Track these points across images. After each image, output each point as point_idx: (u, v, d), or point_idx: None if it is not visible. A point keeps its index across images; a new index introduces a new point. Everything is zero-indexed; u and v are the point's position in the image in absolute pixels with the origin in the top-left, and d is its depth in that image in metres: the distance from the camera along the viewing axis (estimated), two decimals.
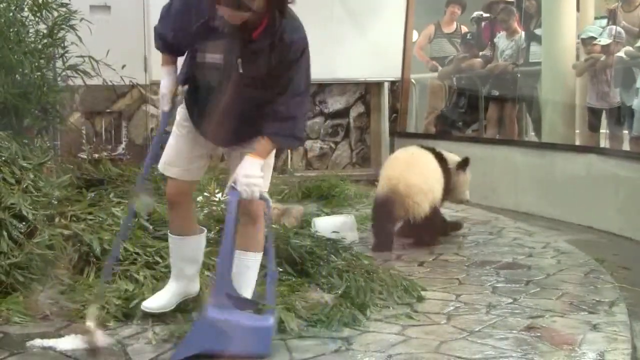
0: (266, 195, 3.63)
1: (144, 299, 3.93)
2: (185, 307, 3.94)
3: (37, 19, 5.71)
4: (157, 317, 3.86)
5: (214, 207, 5.14)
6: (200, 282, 4.05)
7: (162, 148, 3.80)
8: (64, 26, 5.74)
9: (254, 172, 3.52)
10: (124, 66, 6.48)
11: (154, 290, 3.99)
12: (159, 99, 3.82)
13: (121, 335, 3.74)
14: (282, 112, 3.54)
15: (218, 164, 9.31)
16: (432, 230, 6.08)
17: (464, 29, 10.01)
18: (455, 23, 10.14)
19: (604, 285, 4.86)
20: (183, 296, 3.96)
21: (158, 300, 3.92)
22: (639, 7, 7.80)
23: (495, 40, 9.28)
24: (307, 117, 3.66)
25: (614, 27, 7.67)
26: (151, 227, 4.57)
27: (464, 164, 6.39)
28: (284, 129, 3.56)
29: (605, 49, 7.62)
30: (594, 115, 7.93)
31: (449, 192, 6.31)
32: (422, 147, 6.41)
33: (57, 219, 4.41)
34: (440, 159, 6.25)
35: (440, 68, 10.16)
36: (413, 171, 6.01)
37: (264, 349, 3.48)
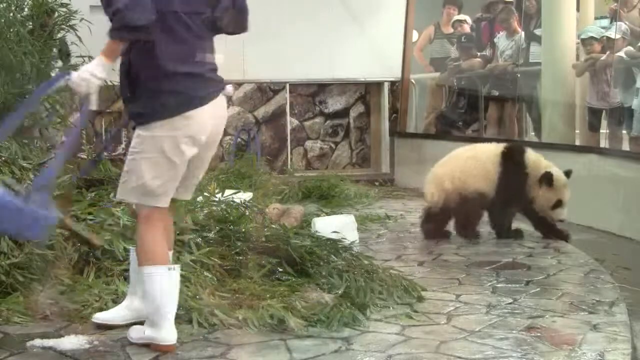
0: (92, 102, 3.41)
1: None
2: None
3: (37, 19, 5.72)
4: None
5: (214, 207, 5.14)
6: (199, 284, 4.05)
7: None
8: (64, 26, 5.74)
9: (96, 70, 3.35)
10: None
11: None
12: None
13: (121, 336, 3.73)
14: (108, 8, 3.34)
15: (218, 164, 9.34)
16: (460, 222, 6.25)
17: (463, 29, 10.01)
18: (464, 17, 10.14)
19: (604, 285, 4.86)
20: (137, 315, 3.78)
21: (108, 313, 3.86)
22: (636, 8, 7.80)
23: (495, 40, 9.29)
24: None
25: (622, 23, 7.65)
26: None
27: (544, 178, 6.10)
28: (114, 22, 3.32)
29: (611, 44, 7.60)
30: (593, 115, 7.92)
31: (523, 199, 6.19)
32: (507, 146, 6.35)
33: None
34: (510, 159, 6.17)
35: (437, 74, 10.17)
36: (441, 162, 6.35)
37: (34, 232, 3.49)
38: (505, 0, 9.59)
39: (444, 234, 6.33)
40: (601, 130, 8.00)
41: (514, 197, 6.17)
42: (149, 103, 3.50)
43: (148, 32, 3.37)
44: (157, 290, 3.52)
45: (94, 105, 3.43)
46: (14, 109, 5.39)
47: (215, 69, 3.59)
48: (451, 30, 10.08)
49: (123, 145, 9.44)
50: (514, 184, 6.13)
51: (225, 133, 9.85)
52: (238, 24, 3.67)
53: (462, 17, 9.95)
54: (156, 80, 3.48)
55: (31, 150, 4.96)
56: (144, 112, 3.51)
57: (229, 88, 3.51)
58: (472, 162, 6.19)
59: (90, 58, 5.87)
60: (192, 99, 3.48)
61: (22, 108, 3.77)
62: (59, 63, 6.07)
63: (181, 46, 3.48)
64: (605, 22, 8.18)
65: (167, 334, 3.54)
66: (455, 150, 6.48)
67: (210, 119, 3.54)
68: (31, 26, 5.71)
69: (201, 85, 3.52)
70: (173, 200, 3.65)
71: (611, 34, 7.65)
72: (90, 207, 4.67)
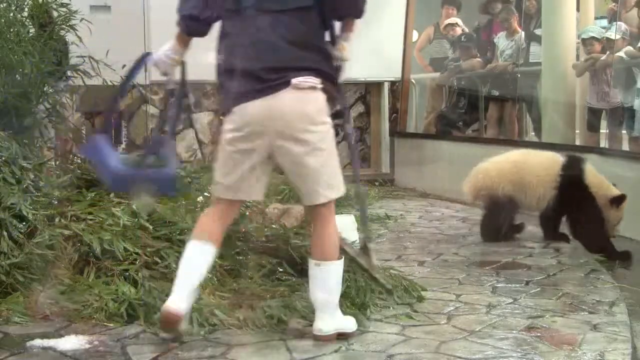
0: None
1: (141, 300, 3.94)
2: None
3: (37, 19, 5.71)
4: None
5: None
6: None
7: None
8: (64, 26, 5.73)
9: (169, 51, 3.76)
10: (124, 66, 6.47)
11: (152, 291, 4.00)
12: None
13: (121, 336, 3.74)
14: None
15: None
16: (483, 222, 6.24)
17: (462, 29, 10.00)
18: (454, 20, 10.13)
19: (604, 285, 4.86)
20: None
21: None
22: (635, 8, 7.81)
23: (495, 40, 9.28)
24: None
25: (621, 24, 7.66)
26: (151, 227, 4.56)
27: (618, 200, 5.89)
28: None
29: (611, 44, 7.61)
30: (593, 115, 7.92)
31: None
32: (565, 155, 6.14)
33: (57, 219, 4.41)
34: (565, 170, 5.99)
35: (437, 74, 10.16)
36: (489, 160, 6.27)
37: (171, 190, 4.10)
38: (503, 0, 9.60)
39: (514, 231, 6.32)
40: (601, 131, 8.00)
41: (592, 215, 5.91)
42: (219, 94, 3.84)
43: (203, 26, 3.67)
44: (183, 259, 3.65)
45: (170, 84, 3.89)
46: (16, 109, 5.41)
47: (276, 66, 3.56)
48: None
49: (123, 146, 9.44)
50: (584, 202, 5.90)
51: None
52: (350, 9, 3.83)
53: (453, 20, 9.95)
54: (218, 77, 3.72)
55: (32, 150, 4.95)
56: (221, 103, 3.81)
57: (298, 80, 3.59)
58: (510, 167, 6.12)
59: (91, 58, 5.90)
60: (235, 96, 3.58)
61: (122, 87, 4.46)
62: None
63: (234, 43, 3.60)
64: (605, 23, 8.19)
65: (173, 302, 3.57)
66: (509, 151, 6.39)
67: (259, 117, 3.56)
68: (31, 27, 5.71)
69: (245, 82, 3.55)
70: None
71: (611, 34, 7.66)
72: (91, 207, 4.66)
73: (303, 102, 3.61)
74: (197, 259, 3.63)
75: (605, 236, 5.86)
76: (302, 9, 3.60)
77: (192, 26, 3.67)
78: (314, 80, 3.61)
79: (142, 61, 3.99)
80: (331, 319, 3.74)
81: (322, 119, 3.72)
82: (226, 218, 3.75)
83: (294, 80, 3.56)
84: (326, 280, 3.73)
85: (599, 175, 6.06)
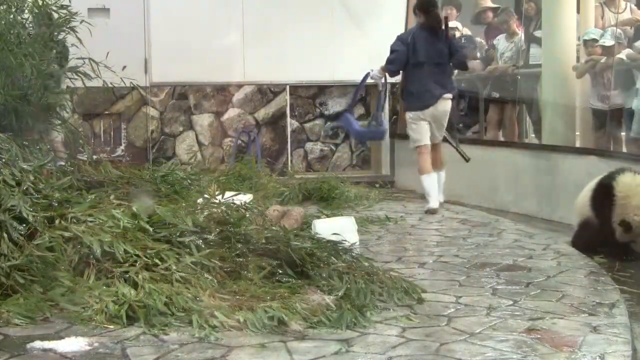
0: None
1: (142, 301, 3.95)
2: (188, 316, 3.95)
3: (37, 21, 5.72)
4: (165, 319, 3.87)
5: (214, 209, 5.13)
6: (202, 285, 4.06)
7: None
8: (64, 28, 5.74)
9: (378, 73, 8.03)
10: (124, 67, 6.48)
11: (152, 293, 4.00)
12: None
13: (121, 338, 3.74)
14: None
15: (218, 166, 9.35)
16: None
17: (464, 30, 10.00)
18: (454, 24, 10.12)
19: (604, 287, 4.86)
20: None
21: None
22: (625, 10, 7.83)
23: (495, 42, 9.29)
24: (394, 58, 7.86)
25: (617, 29, 7.66)
26: (151, 229, 4.56)
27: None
28: (385, 62, 7.97)
29: (607, 50, 7.61)
30: (593, 117, 7.92)
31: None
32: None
33: (57, 221, 4.41)
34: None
35: None
36: None
37: (382, 136, 8.87)
38: (492, 7, 9.62)
39: None
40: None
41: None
42: (405, 102, 8.18)
43: (397, 72, 7.95)
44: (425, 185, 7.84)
45: (381, 86, 8.29)
46: (14, 110, 5.42)
47: (438, 90, 7.71)
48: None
49: (122, 147, 9.45)
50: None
51: (225, 135, 9.90)
52: (461, 65, 8.18)
53: (452, 24, 9.91)
54: (405, 92, 7.98)
55: (31, 152, 4.95)
56: (405, 105, 8.14)
57: (445, 95, 7.82)
58: (588, 193, 6.06)
59: (91, 60, 5.92)
60: (420, 105, 7.76)
61: (353, 96, 9.10)
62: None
63: (416, 78, 7.75)
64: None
65: (434, 203, 7.68)
66: None
67: (432, 114, 7.76)
68: (31, 28, 5.71)
69: (424, 99, 7.73)
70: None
71: (604, 41, 7.66)
72: (91, 209, 4.66)
73: (447, 104, 7.76)
74: (433, 184, 7.78)
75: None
76: (446, 62, 7.73)
77: (393, 74, 8.01)
78: (450, 95, 7.75)
79: (367, 75, 8.04)
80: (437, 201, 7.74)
81: (449, 111, 7.84)
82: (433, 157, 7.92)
83: (444, 95, 7.72)
84: (441, 179, 7.85)
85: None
